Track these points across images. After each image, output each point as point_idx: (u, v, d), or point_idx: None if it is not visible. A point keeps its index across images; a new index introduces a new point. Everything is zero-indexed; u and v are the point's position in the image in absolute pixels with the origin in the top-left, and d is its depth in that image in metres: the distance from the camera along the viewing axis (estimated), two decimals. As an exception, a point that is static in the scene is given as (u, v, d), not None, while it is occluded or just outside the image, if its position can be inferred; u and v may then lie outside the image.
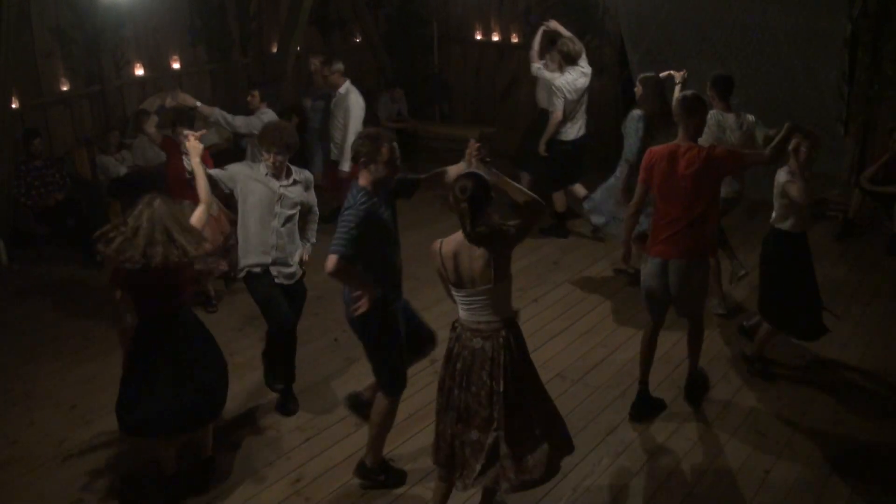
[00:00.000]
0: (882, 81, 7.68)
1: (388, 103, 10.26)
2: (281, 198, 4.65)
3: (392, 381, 4.12)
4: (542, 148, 7.36)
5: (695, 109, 4.51)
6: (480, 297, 3.57)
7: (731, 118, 5.73)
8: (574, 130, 7.39)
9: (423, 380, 5.36)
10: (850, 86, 7.74)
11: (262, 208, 4.63)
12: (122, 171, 7.71)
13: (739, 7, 8.06)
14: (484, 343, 3.58)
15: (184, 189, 5.59)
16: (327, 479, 4.42)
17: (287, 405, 5.02)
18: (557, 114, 7.19)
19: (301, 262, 4.90)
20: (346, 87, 7.19)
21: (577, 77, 7.22)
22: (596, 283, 6.85)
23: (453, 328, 3.73)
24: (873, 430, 4.83)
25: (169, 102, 6.53)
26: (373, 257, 3.90)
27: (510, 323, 3.66)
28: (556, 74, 7.23)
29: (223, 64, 9.22)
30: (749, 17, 8.02)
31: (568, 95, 7.17)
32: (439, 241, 3.64)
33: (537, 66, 7.48)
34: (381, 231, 3.93)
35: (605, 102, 9.53)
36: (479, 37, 10.71)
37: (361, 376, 5.42)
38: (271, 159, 4.57)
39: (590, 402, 5.11)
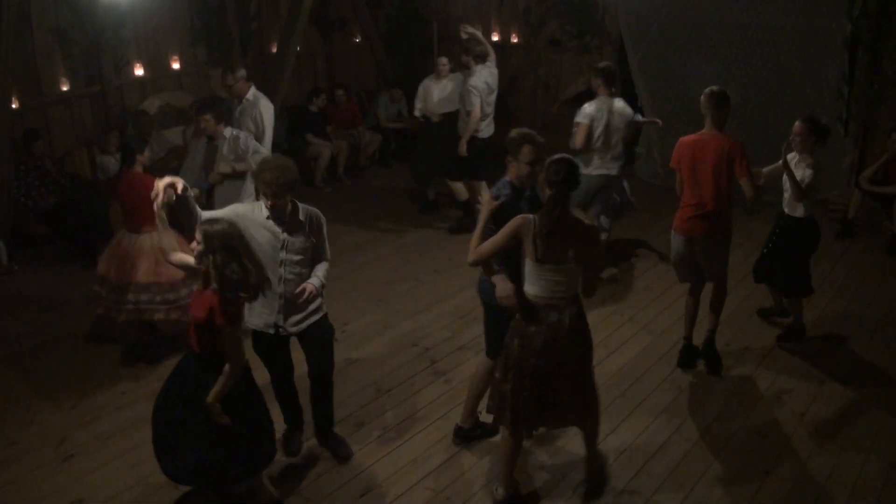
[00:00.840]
0: (882, 81, 7.68)
1: (387, 103, 10.26)
2: (286, 244, 4.12)
3: (497, 347, 4.28)
4: (462, 147, 7.56)
5: (722, 104, 5.06)
6: (561, 274, 3.85)
7: (616, 102, 6.47)
8: (489, 128, 7.69)
9: (422, 380, 5.37)
10: (850, 86, 7.74)
11: (266, 256, 4.05)
12: (122, 170, 7.72)
13: (739, 7, 8.07)
14: (560, 315, 3.88)
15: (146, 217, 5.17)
16: (327, 479, 4.42)
17: (289, 447, 4.64)
18: (476, 111, 7.46)
19: (305, 299, 4.16)
20: (254, 93, 6.58)
21: (486, 76, 7.53)
22: (596, 283, 6.84)
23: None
24: (873, 430, 4.83)
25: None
26: None
27: (577, 297, 3.98)
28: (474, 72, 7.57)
29: (223, 64, 9.20)
30: (749, 17, 8.03)
31: (482, 93, 7.49)
32: (531, 216, 3.83)
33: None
34: None
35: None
36: (479, 37, 10.70)
37: (361, 376, 5.43)
38: (270, 203, 4.02)
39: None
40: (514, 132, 4.22)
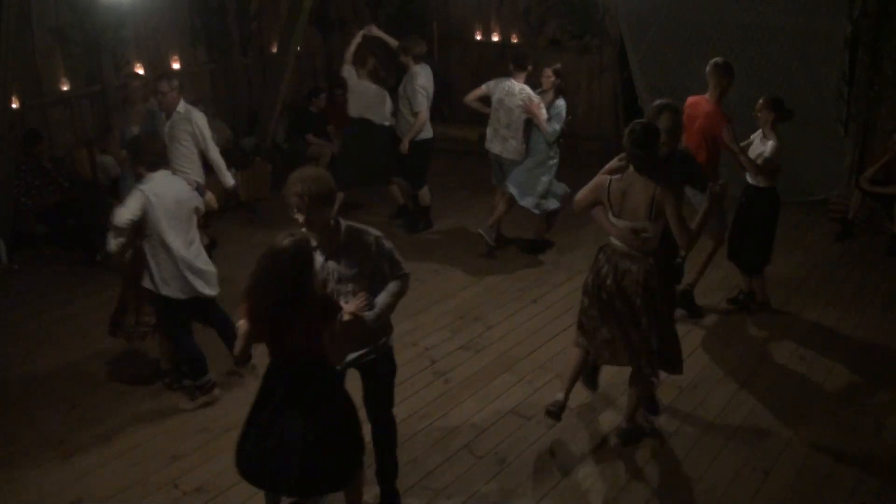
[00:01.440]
0: (882, 81, 7.68)
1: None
2: (330, 273, 3.56)
3: None
4: (405, 147, 7.48)
5: (725, 73, 5.67)
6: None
7: (515, 85, 6.87)
8: (429, 129, 7.65)
9: (422, 380, 5.37)
10: (850, 86, 7.74)
11: None
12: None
13: (739, 7, 8.06)
14: (631, 265, 4.25)
15: None
16: (327, 479, 4.42)
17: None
18: (423, 112, 7.41)
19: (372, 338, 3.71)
20: (185, 105, 6.30)
21: (429, 74, 7.47)
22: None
23: (602, 251, 4.40)
24: (873, 430, 4.84)
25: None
26: None
27: (655, 253, 4.28)
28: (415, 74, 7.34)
29: (223, 64, 9.22)
30: (749, 17, 8.03)
31: (429, 94, 7.45)
32: (608, 177, 4.26)
33: (349, 69, 7.58)
34: None
35: (604, 102, 9.54)
36: (479, 37, 10.70)
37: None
38: (304, 219, 3.48)
39: (590, 402, 5.11)
40: (657, 102, 4.68)
